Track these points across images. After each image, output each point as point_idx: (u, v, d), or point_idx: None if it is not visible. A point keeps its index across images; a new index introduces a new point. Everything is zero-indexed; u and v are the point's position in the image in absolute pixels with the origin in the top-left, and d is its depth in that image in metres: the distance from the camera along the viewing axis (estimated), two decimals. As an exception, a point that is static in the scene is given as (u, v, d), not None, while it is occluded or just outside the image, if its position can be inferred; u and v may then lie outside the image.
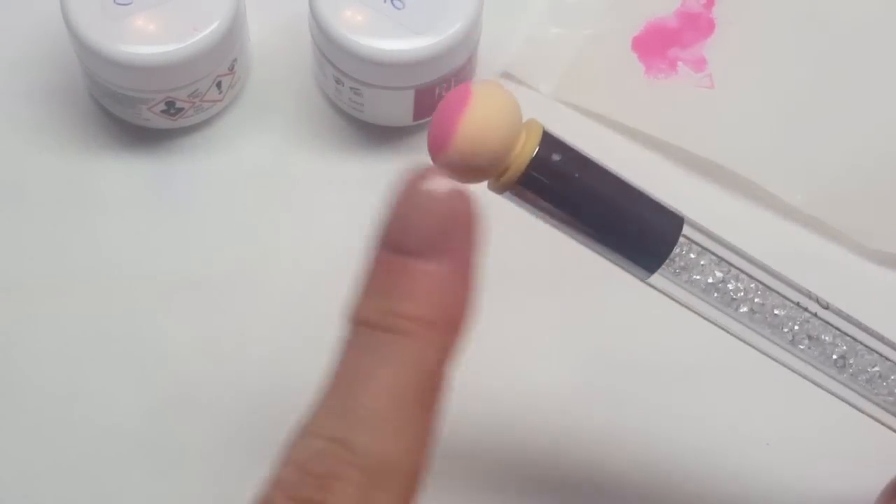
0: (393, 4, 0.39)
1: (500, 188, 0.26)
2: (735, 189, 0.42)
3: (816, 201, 0.42)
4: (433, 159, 0.26)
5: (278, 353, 0.39)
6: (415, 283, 0.24)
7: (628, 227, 0.27)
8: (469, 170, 0.26)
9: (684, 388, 0.39)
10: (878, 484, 0.35)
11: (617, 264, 0.28)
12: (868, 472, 0.35)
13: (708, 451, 0.38)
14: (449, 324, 0.24)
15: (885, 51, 0.45)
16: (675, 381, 0.39)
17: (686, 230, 0.27)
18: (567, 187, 0.26)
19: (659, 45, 0.45)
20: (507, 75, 0.44)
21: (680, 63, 0.44)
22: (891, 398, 0.30)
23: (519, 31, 0.45)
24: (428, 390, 0.24)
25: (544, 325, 0.40)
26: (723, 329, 0.29)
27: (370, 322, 0.24)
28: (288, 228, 0.41)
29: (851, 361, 0.29)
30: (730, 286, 0.28)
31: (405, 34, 0.39)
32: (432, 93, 0.41)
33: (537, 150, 0.26)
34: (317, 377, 0.39)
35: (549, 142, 0.26)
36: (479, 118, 0.25)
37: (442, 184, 0.24)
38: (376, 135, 0.43)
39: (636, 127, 0.43)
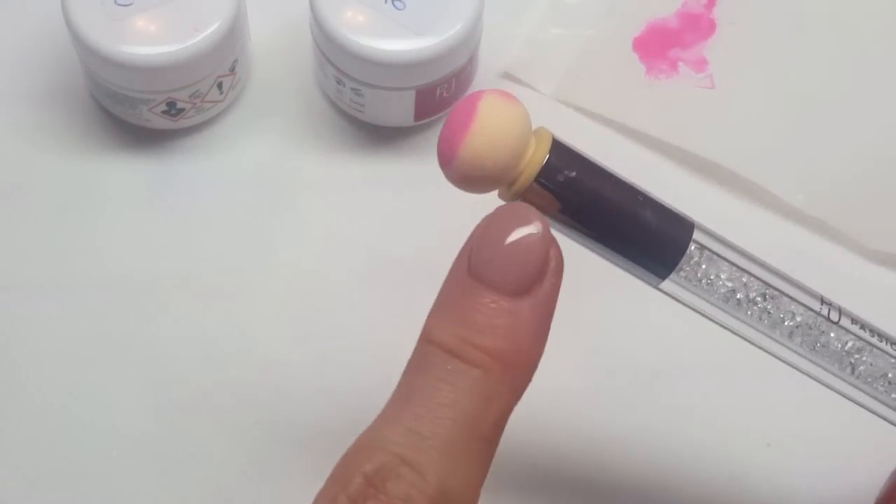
0: (394, 5, 0.39)
1: (510, 197, 0.27)
2: (736, 189, 0.42)
3: (817, 202, 0.42)
4: (442, 171, 0.26)
5: (278, 353, 0.39)
6: (498, 317, 0.24)
7: (639, 234, 0.27)
8: (476, 183, 0.26)
9: (685, 388, 0.39)
10: (878, 485, 0.35)
11: (628, 271, 0.28)
12: (869, 473, 0.35)
13: (709, 452, 0.38)
14: (523, 365, 0.24)
15: (885, 51, 0.45)
16: (675, 381, 0.39)
17: (696, 235, 0.27)
18: (577, 195, 0.26)
19: (660, 46, 0.45)
20: (507, 76, 0.44)
21: (681, 63, 0.44)
22: None
23: (520, 31, 0.45)
24: (496, 428, 0.24)
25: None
26: (733, 333, 0.29)
27: (447, 347, 0.24)
28: (289, 229, 0.41)
29: (862, 370, 0.29)
30: (739, 293, 0.28)
31: (406, 35, 0.39)
32: (433, 93, 0.41)
33: (547, 158, 0.26)
34: (317, 377, 0.39)
35: (559, 150, 0.26)
36: (484, 135, 0.25)
37: (538, 225, 0.24)
38: (377, 135, 0.43)
39: (637, 127, 0.43)
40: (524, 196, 0.26)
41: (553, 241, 0.25)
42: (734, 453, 0.38)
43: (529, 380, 0.25)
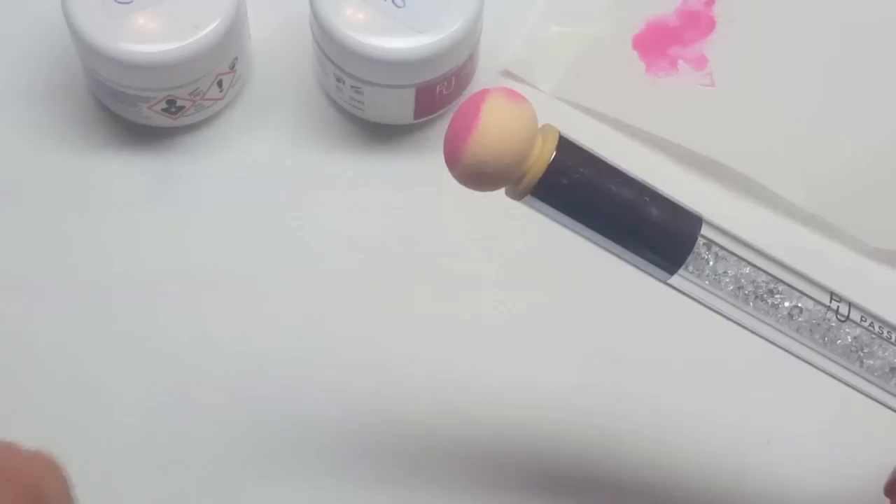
0: (394, 3, 0.39)
1: (517, 195, 0.27)
2: (736, 187, 0.42)
3: (817, 199, 0.42)
4: (449, 170, 0.26)
5: (278, 351, 0.39)
6: None
7: (646, 230, 0.27)
8: (481, 184, 0.26)
9: (685, 386, 0.39)
10: (879, 481, 0.35)
11: (636, 266, 0.28)
12: (868, 470, 0.35)
13: (708, 449, 0.38)
14: None
15: (885, 48, 0.45)
16: (675, 379, 0.39)
17: (704, 230, 0.27)
18: (584, 192, 0.26)
19: (660, 44, 0.45)
20: (507, 73, 0.44)
21: (681, 61, 0.44)
22: None
23: (520, 29, 0.45)
24: None
25: (545, 324, 0.40)
26: (741, 326, 0.29)
27: None
28: (289, 226, 0.41)
29: (870, 363, 0.29)
30: (747, 288, 0.28)
31: (406, 32, 0.39)
32: (433, 91, 0.41)
33: (553, 156, 0.26)
34: (316, 376, 0.39)
35: (566, 147, 0.26)
36: (487, 139, 0.25)
37: None
38: (377, 133, 0.43)
39: (637, 125, 0.43)
40: (531, 194, 0.26)
41: None
42: (734, 451, 0.38)
43: None
